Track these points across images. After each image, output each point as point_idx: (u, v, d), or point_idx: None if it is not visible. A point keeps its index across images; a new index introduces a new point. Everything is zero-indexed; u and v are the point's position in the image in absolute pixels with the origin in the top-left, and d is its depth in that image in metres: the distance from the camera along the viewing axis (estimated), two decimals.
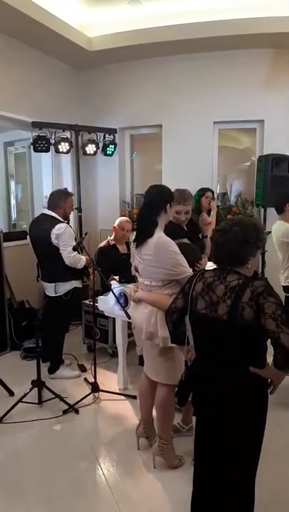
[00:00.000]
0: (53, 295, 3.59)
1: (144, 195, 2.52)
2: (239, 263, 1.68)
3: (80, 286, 3.73)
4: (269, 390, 1.68)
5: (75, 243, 3.49)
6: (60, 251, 3.44)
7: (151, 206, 2.42)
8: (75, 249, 3.50)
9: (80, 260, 3.50)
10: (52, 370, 3.72)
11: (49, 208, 3.64)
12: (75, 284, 3.63)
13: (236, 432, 1.66)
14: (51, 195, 3.74)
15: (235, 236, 1.66)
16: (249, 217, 5.05)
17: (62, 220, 3.56)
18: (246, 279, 1.62)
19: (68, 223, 3.64)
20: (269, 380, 1.66)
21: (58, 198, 3.63)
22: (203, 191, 4.62)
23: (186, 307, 1.78)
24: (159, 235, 2.35)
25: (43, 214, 3.67)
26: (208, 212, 4.63)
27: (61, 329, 3.79)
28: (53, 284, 3.57)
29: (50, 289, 3.60)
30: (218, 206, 4.84)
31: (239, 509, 1.75)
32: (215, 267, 1.77)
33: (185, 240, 2.81)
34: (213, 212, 4.60)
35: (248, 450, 1.70)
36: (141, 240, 2.40)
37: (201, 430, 1.82)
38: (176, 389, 1.88)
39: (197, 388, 1.77)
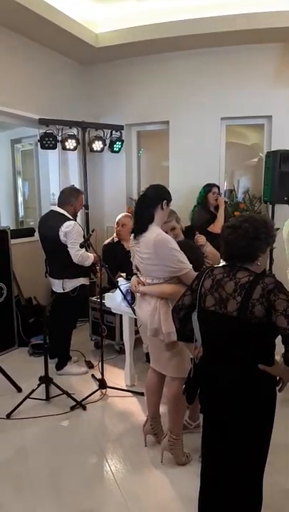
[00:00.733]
0: (60, 291, 3.60)
1: (144, 191, 2.54)
2: (249, 260, 1.67)
3: (88, 283, 3.74)
4: (277, 388, 1.66)
5: (81, 241, 3.47)
6: (68, 249, 3.45)
7: (148, 199, 2.44)
8: (82, 246, 3.50)
9: (88, 258, 3.51)
10: (59, 367, 3.73)
11: (59, 204, 3.65)
12: (83, 281, 3.64)
13: (244, 430, 1.65)
14: (62, 191, 3.75)
15: (245, 232, 1.64)
16: (257, 213, 5.03)
17: (70, 217, 3.56)
18: (257, 276, 1.61)
19: (76, 221, 3.65)
20: (277, 378, 1.65)
21: (70, 195, 3.64)
22: (209, 187, 4.59)
23: (193, 304, 1.77)
24: (158, 232, 2.35)
25: (52, 211, 3.68)
26: (216, 209, 4.62)
27: (68, 326, 3.80)
28: (61, 280, 3.58)
29: (58, 286, 3.61)
30: (225, 202, 4.81)
31: (247, 507, 1.75)
32: (223, 263, 1.76)
33: (187, 240, 2.80)
34: (222, 209, 4.58)
35: (256, 448, 1.69)
36: (138, 230, 2.41)
37: (209, 428, 1.81)
38: (184, 386, 1.88)
39: (205, 385, 1.77)
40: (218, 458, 1.75)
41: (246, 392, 1.62)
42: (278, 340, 1.59)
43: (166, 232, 2.77)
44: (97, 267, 3.65)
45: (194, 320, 1.76)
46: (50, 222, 3.56)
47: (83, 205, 4.98)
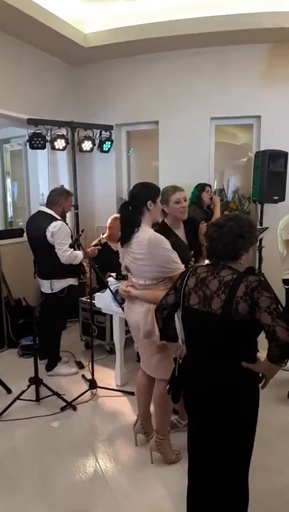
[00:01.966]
0: (49, 292, 3.59)
1: (128, 193, 2.51)
2: (233, 258, 1.69)
3: (76, 283, 3.72)
4: (260, 385, 1.68)
5: (70, 241, 3.48)
6: (56, 249, 3.44)
7: (132, 205, 2.40)
8: (72, 246, 3.48)
9: (76, 257, 3.50)
10: (49, 368, 3.72)
11: (47, 204, 3.63)
12: (71, 281, 3.63)
13: (228, 427, 1.67)
14: (52, 191, 3.74)
15: (230, 230, 1.67)
16: (246, 213, 5.06)
17: (58, 217, 3.55)
18: (240, 274, 1.64)
19: (65, 221, 3.63)
20: (260, 375, 1.66)
21: (59, 196, 3.63)
22: (202, 186, 4.60)
23: (177, 303, 1.79)
24: (150, 232, 2.33)
25: (40, 211, 3.66)
26: (209, 208, 4.63)
27: (57, 327, 3.78)
28: (49, 281, 3.57)
29: (46, 286, 3.60)
30: (221, 200, 4.81)
31: (233, 503, 1.76)
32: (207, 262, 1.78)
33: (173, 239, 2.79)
34: (218, 207, 4.58)
35: (240, 444, 1.71)
36: (125, 239, 2.39)
37: (194, 425, 1.83)
38: (168, 386, 1.88)
39: (189, 384, 1.78)
40: (204, 456, 1.77)
41: (230, 389, 1.63)
42: (262, 337, 1.61)
43: (181, 202, 2.77)
44: (86, 267, 3.64)
45: (178, 319, 1.77)
46: (38, 223, 3.55)
47: (72, 205, 4.97)
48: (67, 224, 3.62)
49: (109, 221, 4.32)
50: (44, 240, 3.44)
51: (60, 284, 3.57)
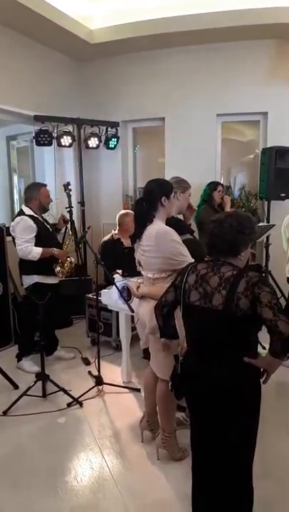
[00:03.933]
0: (25, 287, 3.65)
1: (143, 190, 2.51)
2: (233, 254, 1.70)
3: (47, 282, 3.59)
4: (262, 380, 1.68)
5: (30, 236, 3.45)
6: (15, 243, 3.49)
7: (146, 201, 2.41)
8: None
9: (31, 252, 3.43)
10: (17, 358, 3.77)
11: (25, 202, 3.67)
12: (37, 278, 3.56)
13: (231, 423, 1.67)
14: (25, 190, 3.77)
15: (230, 226, 1.68)
16: (253, 210, 5.04)
17: (29, 213, 3.54)
18: (240, 270, 1.65)
19: (46, 211, 3.71)
20: (262, 370, 1.67)
21: (32, 191, 3.66)
22: (214, 185, 4.59)
23: (177, 300, 1.79)
24: (160, 225, 2.34)
25: (20, 209, 3.70)
26: (219, 206, 4.61)
27: (26, 323, 3.79)
28: (21, 276, 3.64)
29: (23, 281, 3.67)
30: (231, 200, 4.79)
31: (239, 501, 1.76)
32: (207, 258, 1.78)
33: (188, 236, 2.79)
34: (228, 207, 4.56)
35: (243, 440, 1.71)
36: (136, 235, 2.41)
37: (196, 423, 1.83)
38: (170, 383, 1.89)
39: (190, 380, 1.78)
40: (207, 453, 1.77)
41: (232, 386, 1.63)
42: (261, 334, 1.62)
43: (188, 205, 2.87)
44: (59, 266, 3.62)
45: (178, 316, 1.77)
46: (12, 220, 3.61)
47: (78, 202, 4.96)
48: (44, 220, 3.65)
49: (118, 217, 4.30)
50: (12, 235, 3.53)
51: (27, 280, 3.60)
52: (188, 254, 2.30)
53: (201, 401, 1.74)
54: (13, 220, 3.57)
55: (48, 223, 3.75)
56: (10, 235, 4.46)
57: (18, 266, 3.66)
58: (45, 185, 3.77)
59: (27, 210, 3.57)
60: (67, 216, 4.00)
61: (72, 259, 3.79)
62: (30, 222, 3.48)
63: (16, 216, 3.57)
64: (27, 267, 3.55)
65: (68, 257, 3.72)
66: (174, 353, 1.94)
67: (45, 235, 3.58)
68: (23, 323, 3.82)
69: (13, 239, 3.55)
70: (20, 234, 3.45)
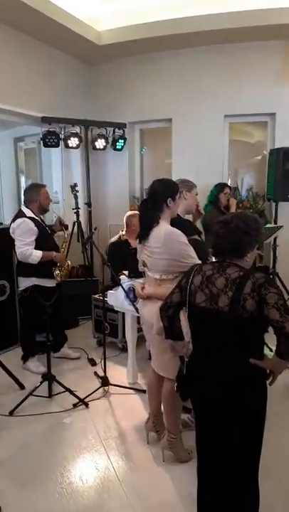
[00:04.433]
0: (21, 289, 3.63)
1: (148, 190, 2.50)
2: (239, 255, 1.70)
3: (46, 285, 3.60)
4: (268, 381, 1.67)
5: (30, 239, 3.44)
6: (15, 245, 3.47)
7: (151, 202, 2.40)
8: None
9: (31, 255, 3.42)
10: (23, 359, 3.78)
11: (25, 204, 3.66)
12: (36, 281, 3.55)
13: (236, 425, 1.66)
14: (24, 191, 3.76)
15: (236, 227, 1.68)
16: (260, 211, 5.01)
17: (29, 215, 3.53)
18: (246, 271, 1.64)
19: (46, 212, 3.73)
20: (268, 371, 1.65)
21: (31, 193, 3.64)
22: (221, 187, 4.58)
23: (182, 301, 1.79)
24: (167, 227, 2.34)
25: (19, 209, 3.67)
26: (226, 208, 4.60)
27: (26, 325, 3.80)
28: (18, 277, 3.64)
29: (19, 283, 3.66)
30: (237, 204, 4.77)
31: (245, 502, 1.75)
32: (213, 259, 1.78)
33: (196, 237, 2.78)
34: (233, 209, 4.55)
35: (249, 442, 1.70)
36: (142, 236, 2.40)
37: (201, 424, 1.82)
38: (176, 384, 1.88)
39: (196, 382, 1.77)
40: (212, 455, 1.77)
41: (238, 388, 1.63)
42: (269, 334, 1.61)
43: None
44: (58, 270, 3.62)
45: (184, 317, 1.77)
46: (12, 221, 3.59)
47: (85, 203, 4.96)
48: (42, 221, 3.63)
49: (125, 218, 4.30)
50: (11, 237, 3.50)
51: (24, 283, 3.58)
52: (196, 255, 2.29)
53: (206, 402, 1.74)
54: (13, 221, 3.54)
55: (45, 225, 3.74)
56: None
57: (16, 267, 3.66)
58: (44, 186, 3.76)
59: (27, 212, 3.55)
60: (64, 220, 3.96)
61: (69, 262, 3.80)
62: (32, 224, 3.48)
63: (16, 217, 3.54)
64: (26, 269, 3.54)
65: (66, 260, 3.74)
66: (179, 354, 1.94)
67: (44, 238, 3.57)
68: (23, 325, 3.82)
69: (13, 241, 3.51)
70: (20, 236, 3.44)
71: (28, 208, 3.59)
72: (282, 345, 1.52)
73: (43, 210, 3.68)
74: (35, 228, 3.49)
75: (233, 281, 1.61)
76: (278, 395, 3.13)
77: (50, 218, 4.15)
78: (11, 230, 3.50)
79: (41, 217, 3.70)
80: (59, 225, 3.88)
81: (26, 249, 3.42)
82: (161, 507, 2.21)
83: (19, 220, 3.48)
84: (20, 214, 3.55)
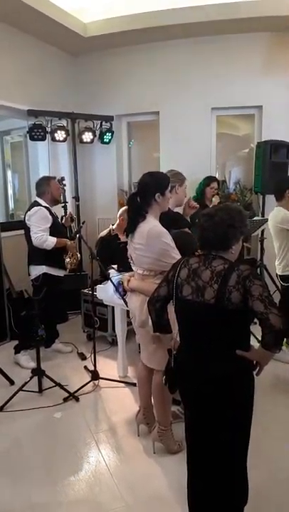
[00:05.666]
0: (32, 278, 3.71)
1: (138, 183, 2.47)
2: (224, 247, 1.71)
3: (55, 274, 3.73)
4: (255, 372, 1.69)
5: (46, 225, 3.58)
6: (30, 232, 3.56)
7: (140, 196, 2.37)
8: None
9: (47, 241, 3.55)
10: (15, 350, 3.80)
11: (38, 196, 3.77)
12: (46, 269, 3.66)
13: (224, 416, 1.68)
14: (36, 184, 3.85)
15: (221, 220, 1.69)
16: (248, 204, 5.04)
17: (44, 204, 3.66)
18: (232, 264, 1.66)
19: (58, 203, 3.90)
20: (254, 362, 1.68)
21: (42, 186, 3.77)
22: (209, 180, 4.56)
23: (169, 295, 1.80)
24: (153, 224, 2.31)
25: (35, 200, 3.79)
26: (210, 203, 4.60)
27: (38, 316, 3.77)
28: (29, 266, 3.72)
29: (30, 271, 3.74)
30: (219, 202, 4.76)
31: (234, 492, 1.78)
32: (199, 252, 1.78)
33: (186, 230, 2.78)
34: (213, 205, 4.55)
35: (238, 433, 1.72)
36: (130, 230, 2.39)
37: (190, 416, 1.84)
38: (164, 376, 1.89)
39: (184, 374, 1.79)
40: (201, 446, 1.78)
41: (225, 379, 1.64)
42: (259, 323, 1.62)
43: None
44: (68, 258, 3.73)
45: (171, 310, 1.78)
46: (27, 210, 3.70)
47: (72, 197, 4.94)
48: (50, 212, 3.70)
49: (120, 212, 4.29)
50: (26, 224, 3.61)
51: (35, 271, 3.68)
52: (179, 256, 2.27)
53: (194, 394, 1.75)
54: (28, 210, 3.67)
55: (57, 216, 3.86)
56: (5, 230, 4.47)
57: (28, 255, 3.75)
58: (54, 178, 3.90)
59: (42, 202, 3.69)
60: (58, 215, 4.01)
61: (79, 255, 3.91)
62: (47, 212, 3.63)
63: (32, 206, 3.67)
64: (38, 257, 3.63)
65: (77, 251, 3.84)
66: (167, 346, 1.95)
67: (56, 227, 3.71)
68: (27, 316, 3.82)
69: (28, 229, 3.61)
70: (36, 223, 3.55)
71: (41, 199, 3.72)
72: (267, 337, 1.53)
73: (55, 200, 3.83)
74: (50, 217, 3.64)
75: (219, 273, 1.62)
76: (267, 386, 3.18)
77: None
78: (26, 218, 3.62)
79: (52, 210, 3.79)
80: (70, 221, 4.04)
81: (41, 234, 3.53)
82: (153, 498, 2.24)
83: (35, 208, 3.61)
84: (35, 203, 3.69)
